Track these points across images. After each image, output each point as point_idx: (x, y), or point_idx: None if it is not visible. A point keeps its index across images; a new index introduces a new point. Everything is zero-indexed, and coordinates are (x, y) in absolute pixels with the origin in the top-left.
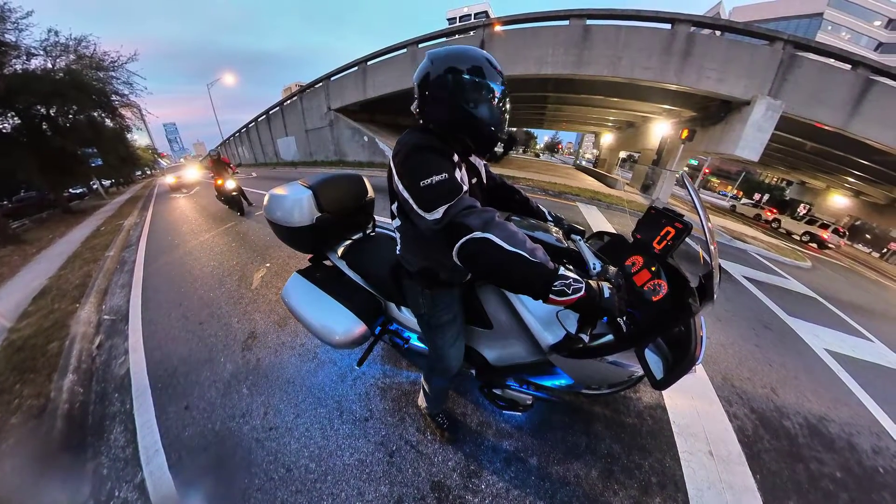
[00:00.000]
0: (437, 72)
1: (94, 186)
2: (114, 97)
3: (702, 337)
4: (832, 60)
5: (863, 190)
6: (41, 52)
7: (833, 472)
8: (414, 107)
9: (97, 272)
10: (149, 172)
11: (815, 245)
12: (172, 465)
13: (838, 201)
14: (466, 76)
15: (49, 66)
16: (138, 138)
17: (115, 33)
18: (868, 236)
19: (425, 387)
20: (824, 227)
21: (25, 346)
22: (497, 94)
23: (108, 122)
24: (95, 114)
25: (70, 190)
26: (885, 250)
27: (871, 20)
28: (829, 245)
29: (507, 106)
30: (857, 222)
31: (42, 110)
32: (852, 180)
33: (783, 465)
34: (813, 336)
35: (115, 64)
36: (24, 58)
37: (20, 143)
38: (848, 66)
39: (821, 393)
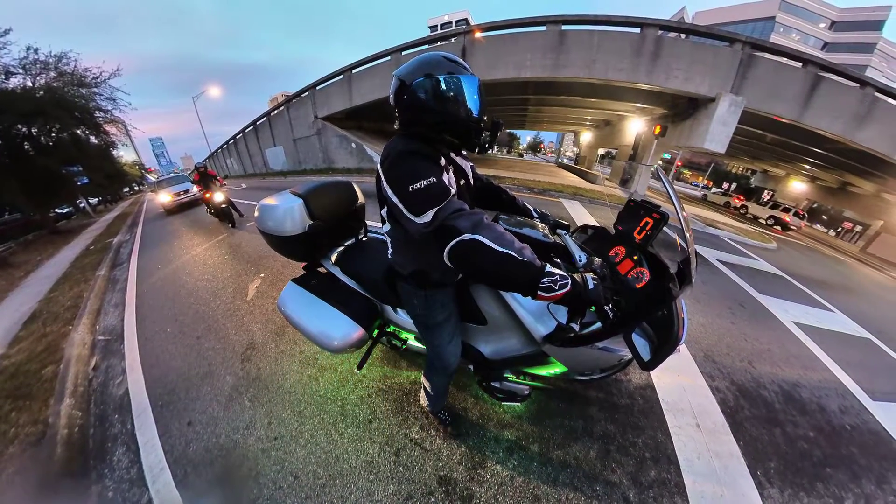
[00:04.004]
0: (406, 86)
1: (81, 205)
2: (97, 114)
3: (683, 318)
4: (785, 59)
5: (818, 175)
6: (20, 71)
7: (807, 433)
8: (396, 125)
9: (88, 292)
10: (137, 189)
11: (779, 228)
12: (179, 481)
13: (797, 187)
14: (432, 79)
15: (29, 84)
16: (124, 154)
17: (97, 50)
18: (824, 217)
19: (426, 385)
20: (786, 210)
21: (19, 372)
22: (464, 84)
23: (92, 139)
24: (79, 131)
25: (56, 210)
26: (839, 229)
27: (817, 23)
28: (792, 227)
29: (480, 94)
30: (815, 205)
31: (23, 130)
32: (808, 167)
33: (763, 430)
34: (782, 311)
35: (98, 80)
36: (3, 77)
37: (1, 164)
38: (799, 64)
39: (792, 362)
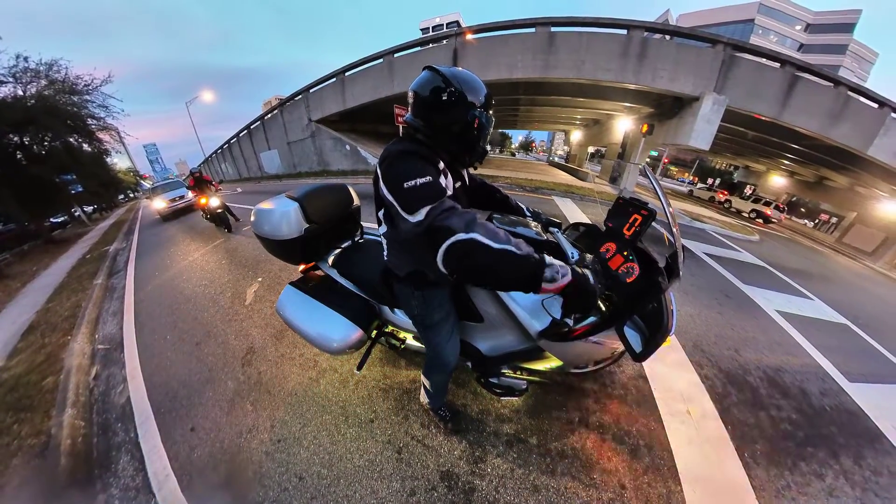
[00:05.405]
0: (448, 89)
1: (77, 214)
2: (90, 121)
3: (672, 310)
4: (765, 60)
5: (796, 170)
6: (10, 79)
7: (790, 416)
8: (410, 116)
9: (86, 302)
10: (132, 195)
11: (761, 220)
12: (185, 487)
13: (777, 181)
14: (473, 99)
15: (20, 92)
16: (119, 161)
17: (89, 56)
18: (803, 210)
19: (425, 383)
20: (767, 204)
21: (19, 384)
22: (489, 117)
23: (85, 147)
24: (72, 139)
25: (51, 219)
26: (816, 221)
27: (793, 25)
28: (773, 220)
29: (490, 127)
30: (794, 199)
31: (15, 139)
32: (787, 162)
33: (749, 414)
34: (765, 300)
35: (89, 87)
36: None
37: None
38: (777, 65)
39: (775, 348)
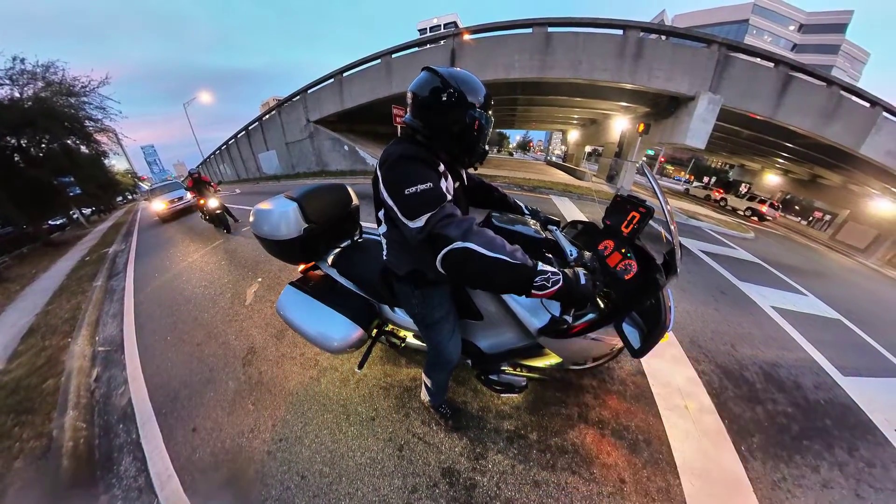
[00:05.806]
0: (447, 90)
1: (75, 216)
2: (87, 123)
3: (670, 307)
4: (759, 60)
5: (790, 169)
6: (7, 82)
7: (785, 409)
8: (409, 116)
9: (86, 304)
10: (130, 197)
11: (756, 218)
12: (187, 487)
13: (772, 180)
14: (472, 99)
15: (17, 95)
16: (116, 163)
17: (86, 59)
18: (797, 208)
19: (426, 381)
20: (762, 202)
21: (19, 387)
22: (489, 117)
23: (83, 149)
24: (69, 141)
25: (49, 222)
26: (810, 219)
27: (787, 25)
28: (767, 217)
29: (490, 127)
30: (788, 196)
31: (12, 141)
32: (781, 161)
33: (746, 408)
34: (761, 296)
35: (87, 89)
36: None
37: None
38: (771, 65)
39: (770, 343)
